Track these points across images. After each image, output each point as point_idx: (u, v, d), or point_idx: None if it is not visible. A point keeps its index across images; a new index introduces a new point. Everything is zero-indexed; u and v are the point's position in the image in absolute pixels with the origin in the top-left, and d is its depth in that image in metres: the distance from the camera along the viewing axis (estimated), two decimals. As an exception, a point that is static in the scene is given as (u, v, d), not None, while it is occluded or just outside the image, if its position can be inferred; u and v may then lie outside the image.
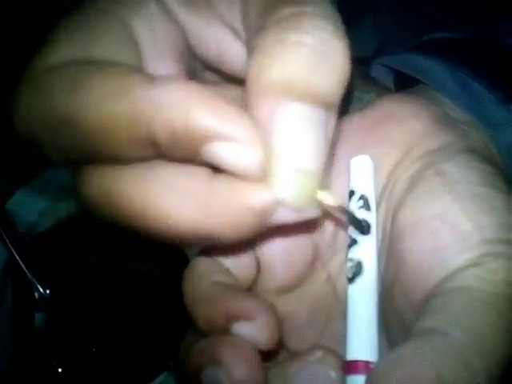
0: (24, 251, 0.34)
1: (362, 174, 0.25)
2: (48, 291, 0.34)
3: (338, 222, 0.26)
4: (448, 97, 0.28)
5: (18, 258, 0.34)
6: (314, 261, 0.26)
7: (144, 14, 0.21)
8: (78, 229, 0.36)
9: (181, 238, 0.19)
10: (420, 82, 0.30)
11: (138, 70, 0.20)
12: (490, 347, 0.18)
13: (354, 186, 0.25)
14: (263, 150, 0.18)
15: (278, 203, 0.18)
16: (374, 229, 0.24)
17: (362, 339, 0.22)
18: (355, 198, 0.25)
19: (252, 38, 0.19)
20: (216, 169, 0.18)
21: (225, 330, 0.21)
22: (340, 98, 0.19)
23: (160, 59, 0.21)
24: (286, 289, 0.25)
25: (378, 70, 0.36)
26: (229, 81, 0.25)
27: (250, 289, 0.25)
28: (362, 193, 0.25)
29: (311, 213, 0.19)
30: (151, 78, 0.18)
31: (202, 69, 0.25)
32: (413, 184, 0.23)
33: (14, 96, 0.19)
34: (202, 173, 0.18)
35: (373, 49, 0.44)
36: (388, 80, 0.36)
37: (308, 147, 0.19)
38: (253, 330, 0.21)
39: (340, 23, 0.19)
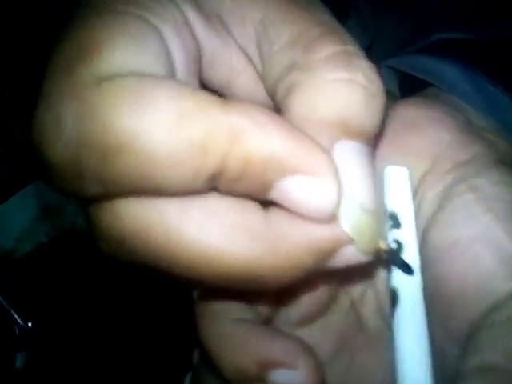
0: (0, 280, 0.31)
1: (394, 187, 0.23)
2: (30, 324, 0.31)
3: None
4: (467, 102, 0.27)
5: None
6: (337, 288, 0.24)
7: (173, 23, 0.18)
8: (59, 253, 0.33)
9: (227, 282, 0.17)
10: (428, 86, 0.29)
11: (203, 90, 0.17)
12: None
13: (385, 203, 0.23)
14: (340, 187, 0.16)
15: (345, 242, 0.17)
16: (409, 245, 0.22)
17: (412, 378, 0.19)
18: (386, 217, 0.22)
19: (281, 70, 0.19)
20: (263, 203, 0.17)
21: (259, 380, 0.19)
22: None
23: (189, 76, 0.19)
24: (309, 319, 0.23)
25: (382, 72, 0.34)
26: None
27: (269, 321, 0.23)
28: (391, 210, 0.22)
29: (372, 253, 0.18)
30: (224, 101, 0.15)
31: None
32: (444, 201, 0.21)
33: (39, 115, 0.16)
34: (254, 206, 0.17)
35: (364, 46, 0.42)
36: (392, 84, 0.34)
37: (364, 184, 0.18)
38: (296, 378, 0.19)
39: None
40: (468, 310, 0.19)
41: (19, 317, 0.30)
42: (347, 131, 0.18)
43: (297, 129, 0.16)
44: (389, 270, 0.22)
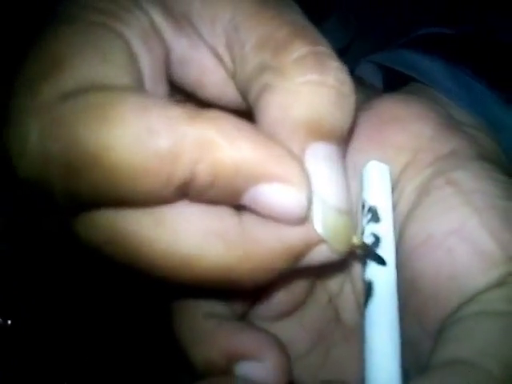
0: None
1: (374, 182, 0.23)
2: (9, 322, 0.31)
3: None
4: (449, 97, 0.26)
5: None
6: (314, 282, 0.24)
7: (139, 29, 0.18)
8: (38, 250, 0.33)
9: (204, 284, 0.17)
10: (411, 81, 0.29)
11: (176, 102, 0.17)
12: None
13: (364, 197, 0.23)
14: (309, 190, 0.17)
15: (318, 242, 0.17)
16: (386, 242, 0.22)
17: (381, 371, 0.19)
18: (364, 211, 0.22)
19: (251, 72, 0.19)
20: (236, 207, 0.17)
21: (226, 371, 0.18)
22: None
23: (157, 80, 0.19)
24: (285, 313, 0.23)
25: (364, 69, 0.34)
26: (190, 100, 0.23)
27: (245, 315, 0.22)
28: (371, 204, 0.22)
29: (345, 252, 0.18)
30: (192, 111, 0.16)
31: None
32: (422, 194, 0.21)
33: (7, 132, 0.16)
34: (228, 211, 0.17)
35: (344, 43, 0.42)
36: (375, 79, 0.34)
37: (339, 186, 0.18)
38: (261, 370, 0.18)
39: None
40: (441, 305, 0.19)
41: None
42: (319, 133, 0.18)
43: (265, 136, 0.16)
44: (364, 264, 0.22)
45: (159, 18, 0.19)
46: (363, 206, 0.23)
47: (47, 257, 0.33)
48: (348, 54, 0.41)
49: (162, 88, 0.19)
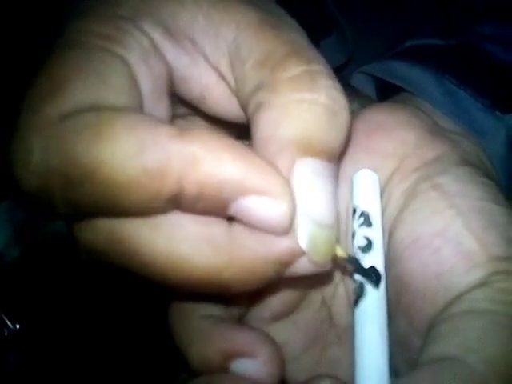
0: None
1: (365, 189, 0.24)
2: (18, 326, 0.32)
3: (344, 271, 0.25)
4: (434, 105, 0.27)
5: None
6: (307, 287, 0.24)
7: (139, 50, 0.20)
8: (46, 256, 0.34)
9: (196, 287, 0.18)
10: (403, 91, 0.30)
11: (164, 120, 0.19)
12: (510, 375, 0.17)
13: (356, 202, 0.24)
14: (293, 204, 0.18)
15: (301, 254, 0.18)
16: (377, 245, 0.23)
17: (370, 371, 0.20)
18: (356, 215, 0.23)
19: (250, 89, 0.20)
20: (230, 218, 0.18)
21: (222, 369, 0.19)
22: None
23: (158, 97, 0.20)
24: (281, 315, 0.24)
25: (358, 79, 0.35)
26: (196, 113, 0.24)
27: (241, 318, 0.23)
28: (363, 209, 0.23)
29: (327, 265, 0.19)
30: (179, 130, 0.17)
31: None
32: (409, 199, 0.22)
33: (12, 147, 0.17)
34: (219, 221, 0.18)
35: (341, 61, 0.43)
36: (369, 89, 0.35)
37: (323, 200, 0.19)
38: (255, 366, 0.19)
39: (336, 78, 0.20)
40: (429, 304, 0.20)
41: (8, 319, 0.31)
42: (310, 149, 0.18)
43: (250, 152, 0.17)
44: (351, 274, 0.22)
45: (160, 38, 0.20)
46: (354, 211, 0.24)
47: (54, 262, 0.34)
48: (346, 69, 0.42)
49: (164, 105, 0.21)
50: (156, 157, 0.16)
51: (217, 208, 0.17)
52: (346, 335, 0.24)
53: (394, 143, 0.24)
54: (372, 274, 0.21)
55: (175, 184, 0.16)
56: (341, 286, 0.25)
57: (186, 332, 0.21)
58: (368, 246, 0.23)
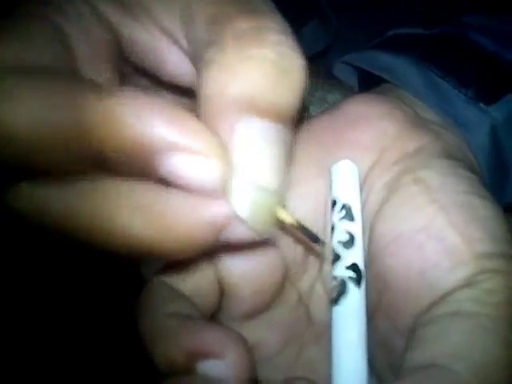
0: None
1: (345, 181, 0.23)
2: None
3: (296, 238, 0.24)
4: (417, 96, 0.27)
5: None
6: (284, 280, 0.24)
7: (74, 15, 0.19)
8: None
9: (134, 254, 0.18)
10: (385, 81, 0.29)
11: (81, 78, 0.19)
12: (500, 382, 0.17)
13: (336, 194, 0.23)
14: (225, 165, 0.17)
15: (234, 219, 0.18)
16: (359, 241, 0.22)
17: (349, 370, 0.19)
18: (337, 207, 0.23)
19: (201, 49, 0.19)
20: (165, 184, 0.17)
21: (188, 370, 0.18)
22: (297, 112, 0.19)
23: (94, 63, 0.20)
24: (254, 313, 0.23)
25: (340, 69, 0.34)
26: (161, 85, 0.23)
27: (214, 316, 0.22)
28: (345, 202, 0.23)
29: (267, 231, 0.18)
30: (99, 88, 0.16)
31: (132, 72, 0.23)
32: (390, 193, 0.22)
33: None
34: (152, 187, 0.17)
35: (322, 46, 0.42)
36: (351, 79, 0.34)
37: (268, 164, 0.18)
38: (222, 368, 0.18)
39: (294, 36, 0.18)
40: (412, 304, 0.19)
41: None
42: (255, 109, 0.17)
43: (186, 113, 0.16)
44: (335, 260, 0.22)
45: (104, 6, 0.20)
46: (334, 203, 0.23)
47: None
48: (327, 56, 0.41)
49: (100, 71, 0.20)
50: (71, 114, 0.15)
51: (146, 168, 0.17)
52: (325, 334, 0.23)
53: (375, 135, 0.24)
54: (317, 236, 0.20)
55: (97, 144, 0.16)
56: (318, 283, 0.24)
57: (152, 331, 0.20)
58: (350, 241, 0.22)
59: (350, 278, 0.21)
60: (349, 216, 0.22)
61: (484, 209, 0.20)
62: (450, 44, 0.28)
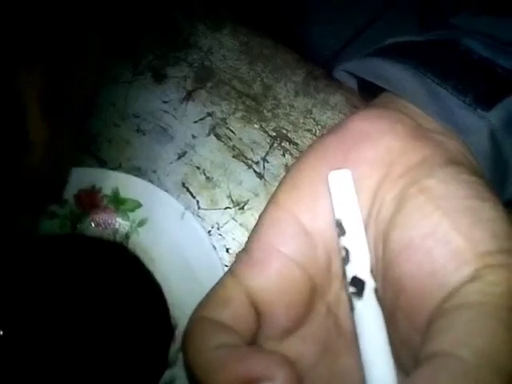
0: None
1: (336, 193, 0.25)
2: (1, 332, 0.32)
3: None
4: (417, 105, 0.28)
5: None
6: (312, 295, 0.25)
7: None
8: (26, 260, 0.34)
9: None
10: (382, 89, 0.30)
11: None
12: (503, 363, 0.18)
13: (334, 212, 0.25)
14: None
15: None
16: (354, 252, 0.24)
17: (378, 371, 0.22)
18: (336, 225, 0.24)
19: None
20: None
21: None
22: None
23: None
24: (290, 329, 0.25)
25: (341, 73, 0.35)
26: None
27: (255, 340, 0.25)
28: (337, 217, 0.24)
29: None
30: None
31: None
32: (399, 204, 0.23)
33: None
34: None
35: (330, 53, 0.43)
36: (352, 82, 0.35)
37: None
38: None
39: None
40: (426, 301, 0.21)
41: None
42: None
43: None
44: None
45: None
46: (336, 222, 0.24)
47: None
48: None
49: None
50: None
51: None
52: (355, 341, 0.25)
53: (380, 151, 0.25)
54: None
55: None
56: (344, 292, 0.26)
57: (203, 364, 0.22)
58: (347, 257, 0.24)
59: (352, 293, 0.23)
60: (341, 231, 0.24)
61: (486, 210, 0.22)
62: (445, 50, 0.29)
